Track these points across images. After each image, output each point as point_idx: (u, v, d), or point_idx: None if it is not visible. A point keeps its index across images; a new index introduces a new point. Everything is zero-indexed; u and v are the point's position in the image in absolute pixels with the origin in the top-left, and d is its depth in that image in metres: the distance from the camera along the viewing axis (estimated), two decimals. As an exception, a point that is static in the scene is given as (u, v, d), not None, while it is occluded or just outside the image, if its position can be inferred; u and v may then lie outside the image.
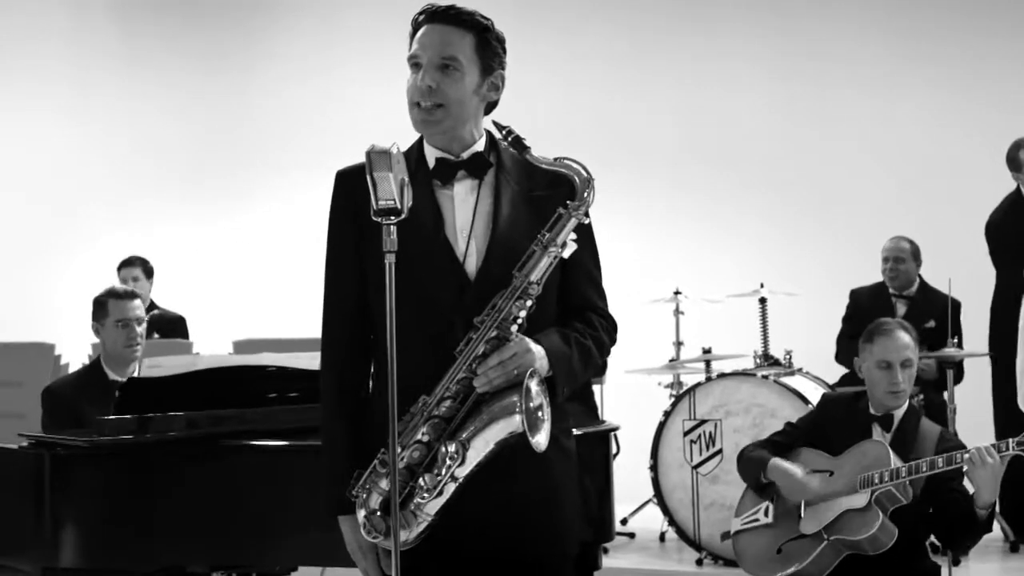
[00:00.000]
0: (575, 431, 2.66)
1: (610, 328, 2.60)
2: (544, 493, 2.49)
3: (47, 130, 8.72)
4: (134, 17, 9.17)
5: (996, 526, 6.20)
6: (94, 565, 3.69)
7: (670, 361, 6.81)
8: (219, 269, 8.81)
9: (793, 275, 7.42)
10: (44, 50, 8.82)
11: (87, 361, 5.75)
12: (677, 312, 6.91)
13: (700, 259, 8.25)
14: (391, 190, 2.30)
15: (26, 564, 3.79)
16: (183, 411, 3.91)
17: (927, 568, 3.99)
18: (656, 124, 8.52)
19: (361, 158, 2.44)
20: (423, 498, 2.36)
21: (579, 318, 2.56)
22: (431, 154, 2.55)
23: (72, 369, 6.23)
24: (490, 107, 2.58)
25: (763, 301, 6.61)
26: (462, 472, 2.35)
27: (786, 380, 5.90)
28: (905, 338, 4.07)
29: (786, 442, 4.18)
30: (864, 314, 6.10)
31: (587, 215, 2.47)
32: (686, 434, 6.04)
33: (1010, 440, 3.70)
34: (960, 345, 6.32)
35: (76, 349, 6.81)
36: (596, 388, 6.77)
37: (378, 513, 2.40)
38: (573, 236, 2.45)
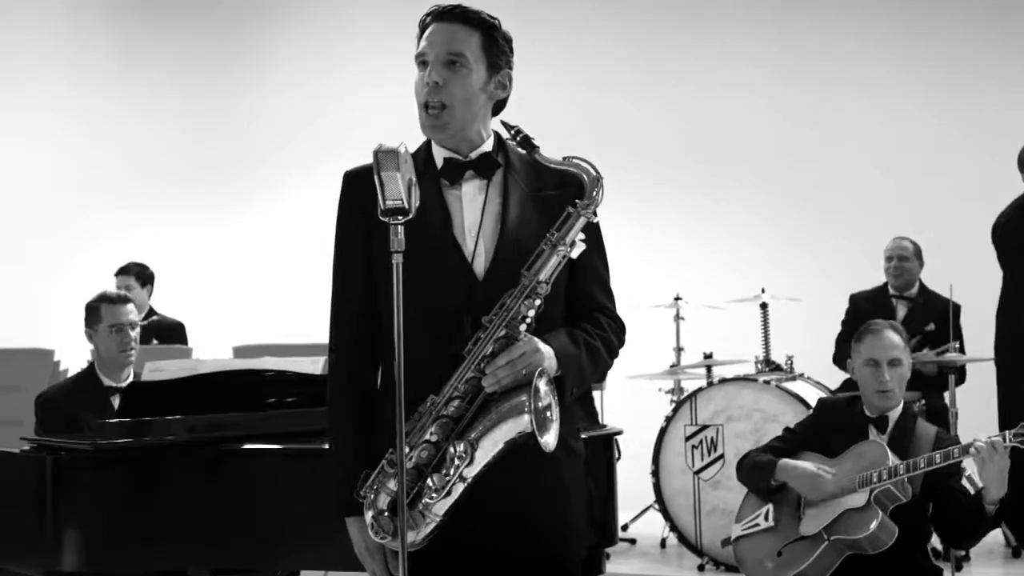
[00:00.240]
0: (578, 435, 2.65)
1: (618, 329, 2.60)
2: (553, 493, 2.48)
3: (45, 131, 8.71)
4: (132, 19, 9.16)
5: (998, 531, 6.19)
6: (96, 569, 3.68)
7: (671, 367, 6.80)
8: (219, 274, 8.79)
9: (795, 280, 7.41)
10: (42, 53, 8.81)
11: (86, 367, 5.73)
12: (678, 318, 6.91)
13: (701, 264, 8.24)
14: (398, 190, 2.29)
15: (28, 568, 3.79)
16: (185, 415, 3.90)
17: (928, 570, 3.99)
18: (656, 129, 8.51)
19: (360, 161, 2.43)
20: (431, 498, 2.35)
21: (587, 319, 2.55)
22: (439, 154, 2.55)
23: (71, 375, 6.20)
24: (498, 108, 2.58)
25: (764, 306, 6.61)
26: (470, 472, 2.34)
27: (788, 385, 5.90)
28: (894, 338, 4.07)
29: (785, 447, 4.18)
30: (864, 318, 6.06)
31: (596, 214, 2.47)
32: (688, 439, 6.03)
33: (1006, 432, 3.72)
34: (961, 349, 6.32)
35: (75, 355, 6.78)
36: (596, 394, 6.75)
37: (386, 513, 2.39)
38: (582, 236, 2.45)
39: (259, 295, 8.63)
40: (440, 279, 2.45)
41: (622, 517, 6.28)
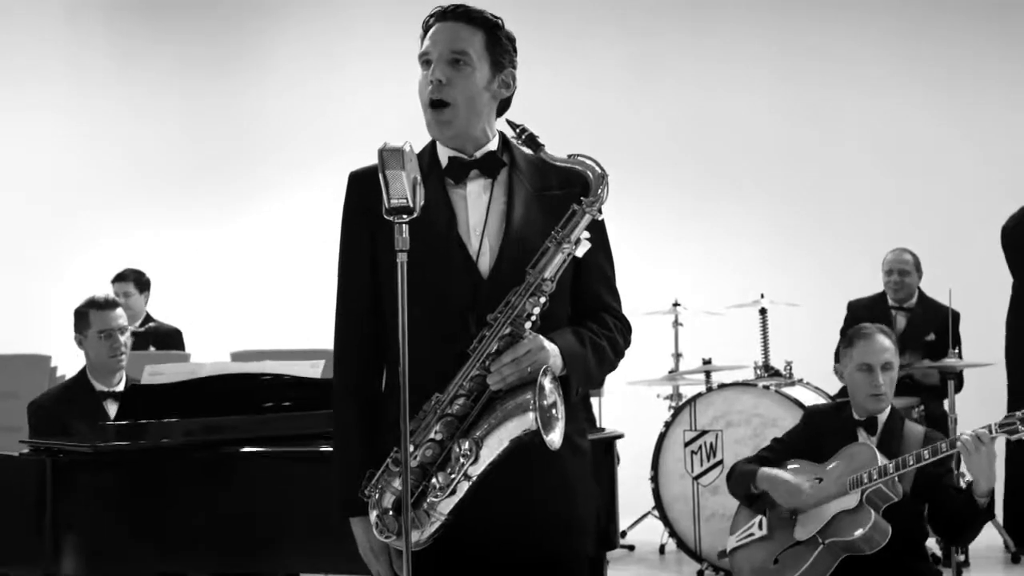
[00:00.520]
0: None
1: (624, 329, 2.59)
2: (558, 492, 2.47)
3: (45, 132, 8.69)
4: (131, 19, 9.13)
5: (998, 536, 6.19)
6: (95, 572, 3.67)
7: (669, 372, 6.79)
8: (218, 276, 8.76)
9: (794, 286, 7.41)
10: (42, 53, 8.80)
11: (77, 372, 5.72)
12: (676, 324, 6.90)
13: (700, 267, 8.24)
14: (403, 188, 2.29)
15: (28, 572, 3.76)
16: (185, 418, 3.88)
17: (927, 572, 4.01)
18: (655, 134, 8.51)
19: (360, 161, 2.43)
20: (436, 497, 2.34)
21: (593, 318, 2.55)
22: (443, 154, 2.55)
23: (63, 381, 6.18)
24: (502, 107, 2.59)
25: (763, 312, 6.60)
26: (475, 470, 2.34)
27: (787, 390, 5.90)
28: (885, 341, 4.12)
29: (774, 457, 4.21)
30: (863, 326, 6.09)
31: (600, 211, 2.46)
32: (687, 445, 6.02)
33: (992, 424, 3.77)
34: (960, 355, 6.31)
35: (72, 360, 6.76)
36: (595, 400, 6.74)
37: (391, 512, 2.38)
38: (587, 235, 2.45)
39: (258, 299, 8.60)
40: (445, 278, 2.45)
41: (620, 524, 6.29)
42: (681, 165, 8.52)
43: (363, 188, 2.52)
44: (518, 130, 2.47)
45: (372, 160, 2.39)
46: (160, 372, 4.18)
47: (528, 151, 2.51)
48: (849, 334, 4.22)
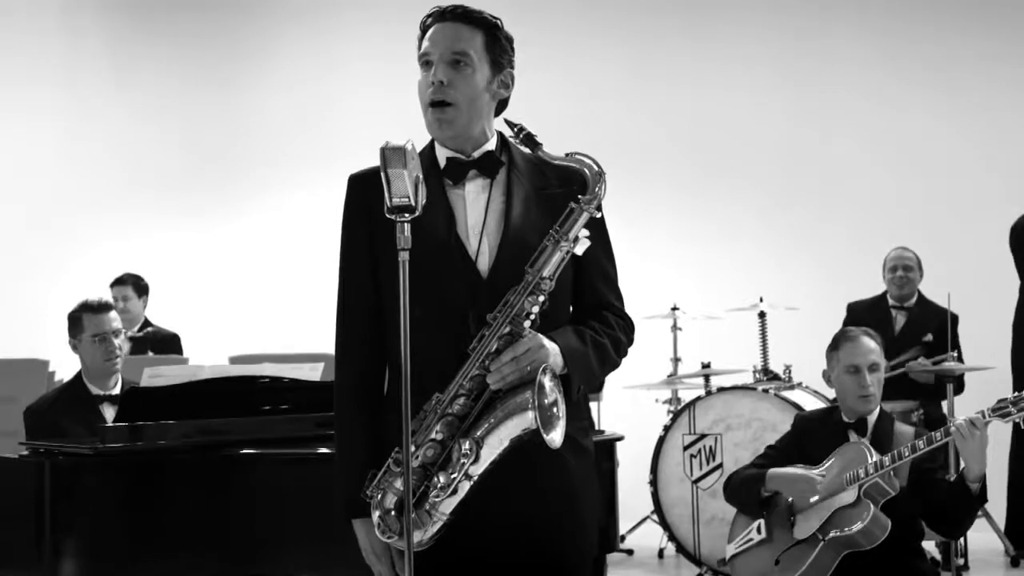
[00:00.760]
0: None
1: (627, 327, 2.60)
2: (561, 492, 2.47)
3: (40, 135, 8.69)
4: (128, 20, 9.12)
5: (997, 540, 6.19)
6: (94, 575, 3.65)
7: (668, 376, 6.79)
8: (215, 280, 8.75)
9: (793, 289, 7.41)
10: (37, 55, 8.79)
11: (73, 376, 5.71)
12: (675, 328, 6.90)
13: (699, 269, 8.24)
14: (405, 187, 2.29)
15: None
16: (184, 421, 3.88)
17: (925, 571, 4.03)
18: (654, 135, 8.51)
19: (359, 163, 2.42)
20: (438, 497, 2.34)
21: (595, 317, 2.55)
22: (442, 154, 2.55)
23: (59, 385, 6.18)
24: (500, 107, 2.59)
25: (762, 315, 6.60)
26: (476, 470, 2.33)
27: (787, 394, 5.89)
28: (870, 343, 4.15)
29: (769, 464, 4.21)
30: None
31: (599, 209, 2.46)
32: (686, 448, 6.02)
33: (985, 409, 3.81)
34: (960, 359, 6.31)
35: (70, 365, 6.76)
36: (593, 404, 6.72)
37: (393, 513, 2.38)
38: (586, 233, 2.45)
39: (256, 303, 8.60)
40: (444, 278, 2.45)
41: (619, 528, 6.28)
42: (679, 167, 8.52)
43: (363, 189, 2.52)
44: (516, 129, 2.47)
45: (371, 163, 2.38)
46: (159, 375, 4.17)
47: (526, 150, 2.51)
48: (835, 338, 4.24)
